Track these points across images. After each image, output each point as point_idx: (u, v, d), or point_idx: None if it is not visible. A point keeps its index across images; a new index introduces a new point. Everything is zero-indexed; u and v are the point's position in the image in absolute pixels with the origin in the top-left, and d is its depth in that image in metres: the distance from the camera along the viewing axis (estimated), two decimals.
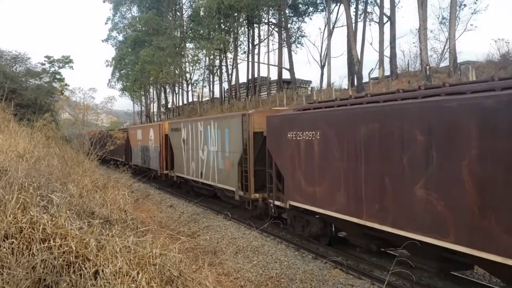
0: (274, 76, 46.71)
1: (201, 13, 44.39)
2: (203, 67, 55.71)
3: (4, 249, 6.13)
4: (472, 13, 35.70)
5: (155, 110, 74.99)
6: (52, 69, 40.39)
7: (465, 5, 35.02)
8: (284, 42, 43.70)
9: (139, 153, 30.64)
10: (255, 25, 47.22)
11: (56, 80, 40.02)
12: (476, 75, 23.13)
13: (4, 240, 6.31)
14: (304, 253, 12.33)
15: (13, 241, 6.33)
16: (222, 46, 43.89)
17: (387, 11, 33.82)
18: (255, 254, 12.23)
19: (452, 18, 28.17)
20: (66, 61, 41.20)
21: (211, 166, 18.89)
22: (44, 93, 33.63)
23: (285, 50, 43.62)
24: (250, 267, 10.91)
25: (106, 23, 74.84)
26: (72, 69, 41.96)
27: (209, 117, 22.26)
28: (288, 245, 13.09)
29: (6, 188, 7.59)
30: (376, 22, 36.71)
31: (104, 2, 71.53)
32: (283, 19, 43.44)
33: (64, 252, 6.29)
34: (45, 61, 40.42)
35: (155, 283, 6.18)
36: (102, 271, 6.09)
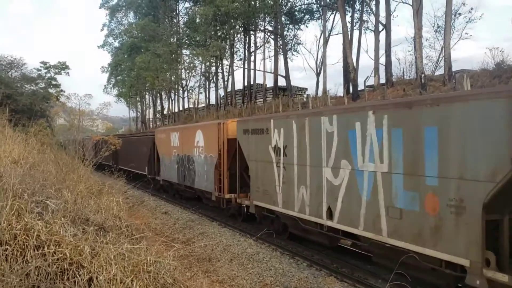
0: (270, 83, 46.85)
1: (197, 20, 44.49)
2: (199, 74, 55.88)
3: None
4: (467, 22, 35.78)
5: (151, 116, 74.99)
6: (48, 75, 40.43)
7: (460, 14, 35.14)
8: (280, 50, 43.81)
9: (174, 165, 22.78)
10: (251, 32, 47.34)
11: (51, 86, 40.01)
12: (471, 84, 23.25)
13: None
14: (299, 260, 12.32)
15: (7, 248, 6.31)
16: (218, 53, 43.97)
17: (382, 19, 34.03)
18: (250, 261, 12.20)
19: (447, 27, 28.35)
20: (62, 67, 41.26)
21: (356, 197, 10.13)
22: (40, 98, 33.63)
23: (281, 57, 43.74)
24: (245, 274, 10.89)
25: (102, 29, 74.95)
26: (68, 75, 42.05)
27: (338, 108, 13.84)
28: (283, 253, 13.08)
29: (1, 195, 7.57)
30: (372, 30, 36.89)
31: (100, 8, 71.80)
32: (279, 26, 43.59)
33: (58, 259, 6.28)
34: (41, 67, 40.51)
35: None
36: (96, 278, 6.08)
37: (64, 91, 41.04)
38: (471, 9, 35.76)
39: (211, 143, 18.01)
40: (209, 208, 20.33)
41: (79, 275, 6.12)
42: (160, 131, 26.42)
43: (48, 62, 41.08)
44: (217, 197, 17.75)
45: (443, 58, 29.32)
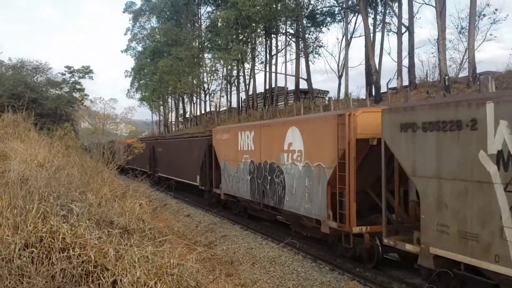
0: (291, 86, 46.75)
1: (219, 24, 44.67)
2: (221, 77, 56.08)
3: (24, 258, 6.21)
4: (491, 23, 35.23)
5: (173, 119, 75.54)
6: (72, 79, 41.00)
7: (484, 15, 34.60)
8: (302, 52, 43.72)
9: (244, 175, 17.34)
10: (272, 35, 47.35)
11: (76, 90, 40.56)
12: (496, 85, 22.87)
13: (24, 249, 6.39)
14: (321, 264, 12.25)
15: (33, 250, 6.41)
16: (239, 56, 44.07)
17: (405, 21, 33.68)
18: (272, 264, 12.19)
19: (471, 28, 27.93)
20: (86, 71, 41.80)
21: None
22: (64, 102, 34.11)
23: (302, 60, 43.63)
24: (267, 278, 10.88)
25: (125, 34, 75.70)
26: (92, 79, 42.55)
27: None
28: (305, 256, 13.03)
29: (27, 198, 7.70)
30: (394, 32, 36.54)
31: (123, 12, 72.66)
32: (300, 29, 43.51)
33: (83, 262, 6.35)
34: (65, 71, 41.08)
35: None
36: (121, 280, 6.13)
37: (88, 95, 41.52)
38: (496, 10, 34.95)
39: (321, 146, 12.41)
40: (232, 214, 19.90)
41: (104, 278, 6.18)
42: (221, 130, 20.42)
43: (73, 67, 41.70)
44: (334, 229, 11.96)
45: (467, 59, 28.91)
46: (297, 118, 17.57)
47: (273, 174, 14.92)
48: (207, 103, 61.25)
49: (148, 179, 24.32)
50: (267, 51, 48.70)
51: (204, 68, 53.92)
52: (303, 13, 43.19)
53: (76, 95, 40.13)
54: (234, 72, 53.45)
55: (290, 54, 49.55)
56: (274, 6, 40.03)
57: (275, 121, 17.77)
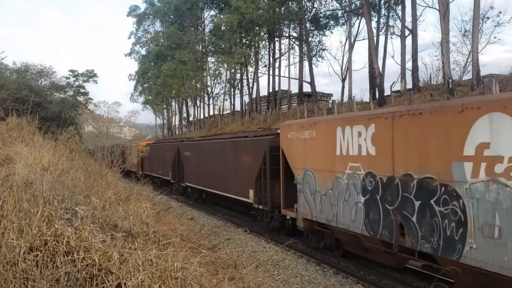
0: (294, 89, 46.78)
1: (223, 28, 44.77)
2: (224, 81, 56.19)
3: (29, 261, 6.22)
4: (495, 26, 35.23)
5: (177, 123, 75.64)
6: (77, 83, 41.16)
7: (488, 18, 34.62)
8: (305, 56, 43.78)
9: (350, 195, 11.57)
10: (276, 39, 47.46)
11: (80, 94, 40.69)
12: (500, 88, 22.84)
13: (29, 253, 6.40)
14: (325, 267, 12.24)
15: (38, 254, 6.42)
16: (243, 60, 44.14)
17: (408, 24, 33.73)
18: (276, 268, 12.19)
19: (475, 31, 27.91)
20: (90, 75, 41.98)
21: None
22: (68, 106, 34.18)
23: (305, 63, 43.72)
24: (271, 281, 10.87)
25: (129, 38, 76.05)
26: (96, 83, 42.74)
27: None
28: (309, 260, 13.01)
29: (31, 201, 7.71)
30: (398, 35, 36.62)
31: (127, 16, 72.94)
32: (304, 32, 43.57)
33: (87, 265, 6.36)
34: (69, 75, 41.27)
35: None
36: (125, 284, 6.14)
37: (92, 99, 41.69)
38: (499, 12, 34.96)
39: None
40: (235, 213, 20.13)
41: (108, 281, 6.19)
42: (297, 125, 14.27)
43: (77, 70, 41.95)
44: None
45: (471, 62, 28.86)
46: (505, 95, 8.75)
47: (430, 197, 8.98)
48: (211, 106, 61.44)
49: (174, 190, 24.45)
50: (271, 54, 48.82)
51: (207, 72, 54.05)
52: (306, 17, 43.28)
53: (80, 98, 40.28)
54: (238, 76, 53.58)
55: (293, 58, 49.68)
56: (277, 9, 40.11)
57: (433, 106, 9.51)
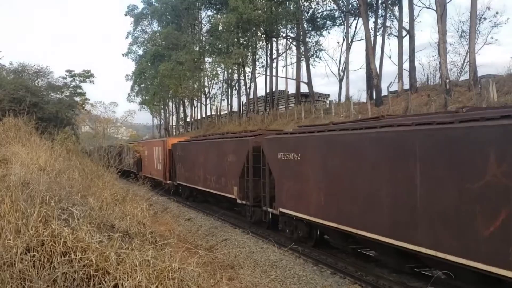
0: (292, 89, 46.85)
1: (220, 28, 44.79)
2: (222, 81, 56.20)
3: (26, 262, 6.20)
4: (492, 26, 35.34)
5: (174, 123, 75.63)
6: (73, 83, 41.02)
7: (485, 18, 34.75)
8: (302, 56, 43.81)
9: None
10: (273, 39, 47.48)
11: (77, 94, 40.58)
12: (497, 89, 22.88)
13: (26, 253, 6.38)
14: (322, 268, 12.23)
15: (35, 254, 6.40)
16: (240, 60, 44.17)
17: (406, 24, 33.76)
18: (273, 268, 12.17)
19: (472, 32, 27.97)
20: (87, 75, 41.82)
21: None
22: (65, 107, 34.06)
23: (303, 64, 43.75)
24: (268, 281, 10.86)
25: (126, 37, 75.80)
26: (93, 83, 42.54)
27: None
28: (306, 260, 13.00)
29: (28, 201, 7.70)
30: (395, 36, 36.67)
31: (125, 16, 72.82)
32: (301, 33, 43.62)
33: (84, 265, 6.35)
34: (66, 75, 41.09)
35: None
36: (122, 284, 6.13)
37: (89, 99, 41.53)
38: (496, 13, 35.07)
39: None
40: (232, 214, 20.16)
41: (105, 282, 6.18)
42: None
43: (73, 71, 41.74)
44: None
45: (468, 63, 28.93)
46: None
47: None
48: (208, 106, 61.45)
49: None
50: (268, 54, 48.87)
51: (204, 72, 54.02)
52: (303, 17, 43.34)
53: (77, 99, 40.15)
54: (235, 76, 53.63)
55: (290, 58, 49.75)
56: (274, 9, 40.15)
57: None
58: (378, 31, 39.89)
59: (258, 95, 50.39)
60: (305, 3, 43.83)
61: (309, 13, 45.02)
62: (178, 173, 26.73)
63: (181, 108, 70.60)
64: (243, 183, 17.63)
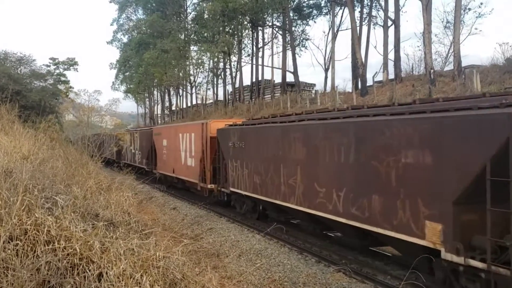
0: (278, 79, 46.80)
1: (205, 16, 44.50)
2: (207, 70, 55.94)
3: (9, 251, 6.16)
4: (476, 17, 35.58)
5: (159, 112, 75.20)
6: (57, 71, 40.61)
7: (469, 9, 34.95)
8: (288, 45, 43.74)
9: None
10: (259, 28, 47.27)
11: (60, 82, 40.16)
12: (481, 79, 23.09)
13: (9, 242, 6.34)
14: (307, 256, 12.31)
15: (18, 243, 6.36)
16: (226, 48, 43.95)
17: (391, 14, 33.79)
18: (258, 257, 12.22)
19: (457, 22, 28.14)
20: (71, 63, 41.44)
21: None
22: (49, 95, 33.72)
23: (289, 53, 43.65)
24: (253, 270, 10.90)
25: (111, 24, 75.00)
26: (77, 71, 42.25)
27: None
28: (291, 248, 13.08)
29: (11, 190, 7.62)
30: (381, 26, 36.71)
31: (110, 2, 71.88)
32: (287, 22, 43.50)
33: (68, 254, 6.32)
34: (50, 63, 40.68)
35: (158, 285, 6.20)
36: (106, 273, 6.11)
37: (73, 87, 41.16)
38: (481, 4, 35.27)
39: None
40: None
41: (89, 270, 6.16)
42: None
43: (57, 58, 41.34)
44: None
45: (453, 53, 29.15)
46: None
47: None
48: (194, 95, 61.15)
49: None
50: (254, 43, 48.63)
51: (190, 61, 53.71)
52: (289, 6, 43.17)
53: (61, 87, 39.74)
54: (221, 65, 53.38)
55: (277, 47, 49.75)
56: None
57: None
58: (364, 21, 39.91)
59: (244, 84, 50.25)
60: None
61: (295, 2, 44.88)
62: (232, 175, 17.33)
63: (166, 97, 70.21)
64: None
